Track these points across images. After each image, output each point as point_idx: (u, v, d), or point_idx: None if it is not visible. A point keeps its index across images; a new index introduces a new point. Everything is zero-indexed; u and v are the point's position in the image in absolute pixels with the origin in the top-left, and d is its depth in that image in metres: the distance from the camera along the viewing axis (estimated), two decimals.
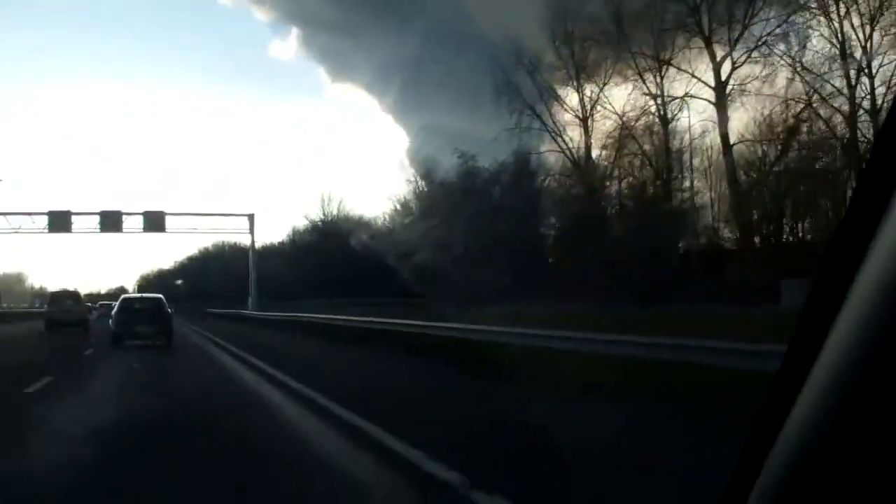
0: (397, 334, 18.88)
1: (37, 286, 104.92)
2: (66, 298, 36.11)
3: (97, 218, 54.08)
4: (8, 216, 52.86)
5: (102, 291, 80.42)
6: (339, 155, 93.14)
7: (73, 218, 54.13)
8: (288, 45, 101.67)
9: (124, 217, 54.23)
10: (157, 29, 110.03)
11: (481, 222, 50.13)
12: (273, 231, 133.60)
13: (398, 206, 57.77)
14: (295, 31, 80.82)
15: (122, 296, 28.08)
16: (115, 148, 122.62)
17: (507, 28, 47.29)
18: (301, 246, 68.16)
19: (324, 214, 66.95)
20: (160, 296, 24.93)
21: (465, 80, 51.47)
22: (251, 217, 55.38)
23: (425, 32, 50.64)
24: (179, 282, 77.42)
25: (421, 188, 56.66)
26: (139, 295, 34.80)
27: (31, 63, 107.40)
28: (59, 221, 53.69)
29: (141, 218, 54.35)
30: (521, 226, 49.08)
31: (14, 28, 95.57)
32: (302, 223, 69.61)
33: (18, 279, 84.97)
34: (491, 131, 48.77)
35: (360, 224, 65.20)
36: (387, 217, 60.03)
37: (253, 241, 55.90)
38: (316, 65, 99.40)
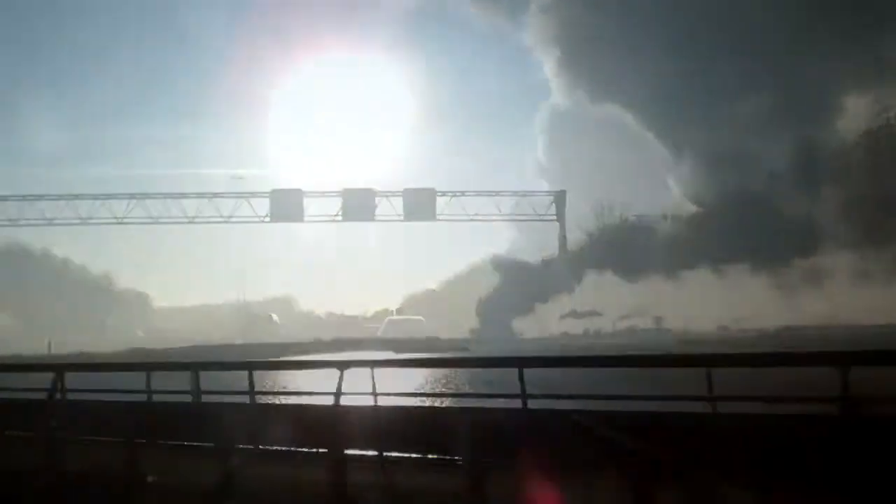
0: None
1: (304, 309, 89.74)
2: None
3: (339, 202, 37.21)
4: (214, 198, 37.11)
5: (369, 314, 69.94)
6: (601, 171, 78.93)
7: (306, 202, 37.63)
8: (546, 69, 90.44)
9: (377, 199, 37.05)
10: (419, 47, 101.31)
11: None
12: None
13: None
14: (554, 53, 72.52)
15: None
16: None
17: None
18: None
19: (602, 224, 60.87)
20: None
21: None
22: (560, 195, 36.82)
23: (682, 45, 48.05)
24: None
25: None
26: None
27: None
28: (286, 206, 37.49)
29: (400, 200, 36.93)
30: None
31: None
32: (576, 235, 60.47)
33: (286, 301, 73.43)
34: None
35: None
36: None
37: (563, 229, 37.31)
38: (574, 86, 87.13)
